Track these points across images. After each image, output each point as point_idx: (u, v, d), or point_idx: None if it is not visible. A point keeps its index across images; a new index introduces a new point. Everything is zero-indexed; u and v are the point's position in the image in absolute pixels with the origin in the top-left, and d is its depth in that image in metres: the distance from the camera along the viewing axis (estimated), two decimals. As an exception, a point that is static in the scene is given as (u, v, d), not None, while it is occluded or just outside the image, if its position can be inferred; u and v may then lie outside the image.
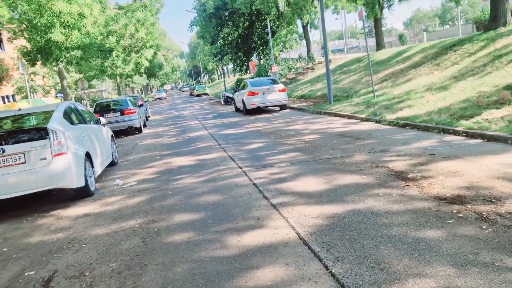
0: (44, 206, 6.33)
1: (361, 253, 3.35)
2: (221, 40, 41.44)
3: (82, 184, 6.21)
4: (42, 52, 16.82)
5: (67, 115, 6.79)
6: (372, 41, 39.21)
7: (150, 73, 61.72)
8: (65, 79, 23.53)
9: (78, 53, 21.26)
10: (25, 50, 17.60)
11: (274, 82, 18.32)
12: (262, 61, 41.94)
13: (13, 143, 5.71)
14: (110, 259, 3.92)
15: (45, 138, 5.83)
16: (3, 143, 5.68)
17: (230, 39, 41.97)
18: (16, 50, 19.52)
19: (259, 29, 40.33)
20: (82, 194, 6.40)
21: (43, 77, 41.40)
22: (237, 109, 20.28)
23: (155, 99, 60.23)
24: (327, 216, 4.27)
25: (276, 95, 17.30)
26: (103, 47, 22.81)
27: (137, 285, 3.32)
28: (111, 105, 16.00)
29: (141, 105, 18.23)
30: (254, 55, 46.04)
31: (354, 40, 70.70)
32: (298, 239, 3.79)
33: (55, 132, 5.89)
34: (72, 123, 6.77)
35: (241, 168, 7.11)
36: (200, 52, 75.35)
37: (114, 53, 30.14)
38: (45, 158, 5.79)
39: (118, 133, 15.72)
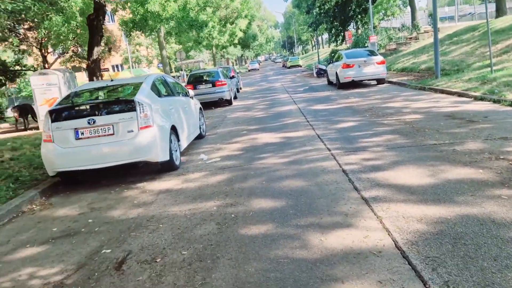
0: (132, 177, 6.45)
1: (480, 279, 2.60)
2: (317, 8, 39.81)
3: (167, 158, 6.15)
4: (138, 23, 17.58)
5: (155, 87, 6.74)
6: (491, 7, 34.35)
7: (244, 44, 62.34)
8: (164, 50, 24.56)
9: (174, 24, 21.87)
10: (123, 20, 18.58)
11: (371, 53, 16.92)
12: (359, 31, 39.53)
13: (103, 114, 5.79)
14: (183, 246, 3.68)
15: (133, 110, 5.82)
16: (95, 113, 5.79)
17: (326, 7, 40.07)
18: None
19: (358, -5, 37.78)
20: (167, 167, 6.37)
21: (147, 48, 44.16)
22: (330, 82, 19.27)
23: (248, 70, 60.88)
24: (433, 220, 3.51)
25: (374, 67, 15.96)
26: (194, 22, 23.15)
27: (205, 282, 3.00)
28: (203, 76, 16.19)
29: (232, 77, 18.23)
30: (351, 24, 43.59)
31: (467, 6, 63.01)
32: (395, 248, 3.13)
33: (142, 104, 5.84)
34: (159, 95, 6.72)
35: (329, 150, 6.48)
36: (294, 22, 73.82)
37: (210, 24, 30.64)
38: (132, 131, 5.79)
39: (209, 105, 15.95)
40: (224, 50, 54.23)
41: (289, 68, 51.93)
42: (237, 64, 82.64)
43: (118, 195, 5.61)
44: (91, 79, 14.39)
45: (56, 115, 5.84)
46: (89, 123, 5.73)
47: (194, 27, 23.57)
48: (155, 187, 5.72)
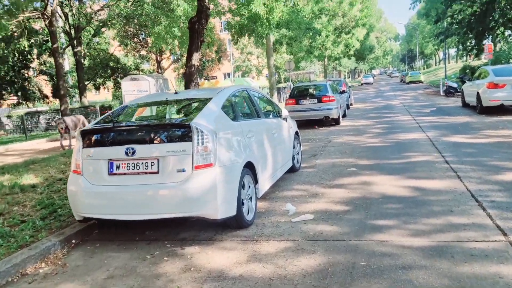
0: (187, 230, 4.56)
1: None
2: (449, 18, 34.87)
3: (233, 213, 4.12)
4: (245, 27, 16.23)
5: (229, 106, 4.79)
6: None
7: (360, 56, 58.70)
8: (272, 58, 23.12)
9: (285, 31, 20.20)
10: (230, 23, 17.49)
11: (531, 71, 12.96)
12: (499, 45, 33.62)
13: (147, 142, 3.99)
14: None
15: (187, 140, 3.92)
16: (137, 141, 4.03)
17: (460, 17, 34.92)
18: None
19: (503, 3, 32.03)
20: (232, 223, 4.34)
21: (257, 57, 43.76)
22: (466, 105, 15.53)
23: (361, 84, 57.08)
24: None
25: (535, 90, 12.09)
26: (310, 25, 21.09)
27: None
28: (309, 89, 14.05)
29: (343, 92, 15.77)
30: (489, 37, 37.47)
31: None
32: None
33: (201, 132, 3.91)
34: (235, 117, 4.74)
35: (503, 232, 3.77)
36: (418, 34, 67.58)
37: (323, 33, 28.48)
38: (184, 170, 3.88)
39: (312, 123, 13.73)
40: (337, 61, 51.47)
41: (408, 83, 47.00)
42: (349, 77, 78.84)
43: (151, 267, 3.72)
44: (187, 87, 13.30)
45: (90, 138, 4.22)
46: (127, 153, 3.98)
47: (307, 33, 21.53)
48: (205, 262, 3.71)
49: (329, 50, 38.71)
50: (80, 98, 25.02)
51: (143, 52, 31.16)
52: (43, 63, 28.26)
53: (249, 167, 4.63)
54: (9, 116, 23.69)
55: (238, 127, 4.61)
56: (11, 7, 10.95)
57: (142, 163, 3.97)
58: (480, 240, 3.62)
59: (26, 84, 28.02)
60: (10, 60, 19.87)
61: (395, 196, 5.19)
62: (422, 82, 46.02)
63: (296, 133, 7.26)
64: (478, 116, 12.68)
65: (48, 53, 25.60)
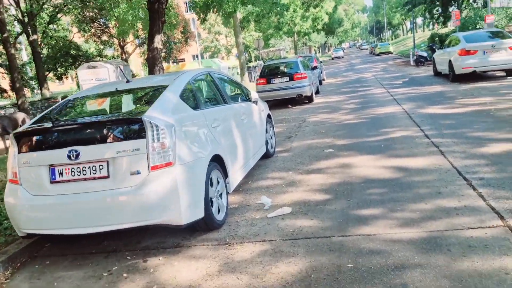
0: (150, 237, 4.05)
1: None
2: (415, -14, 34.69)
3: (200, 215, 3.61)
4: (210, 4, 15.38)
5: (190, 93, 4.22)
6: None
7: (329, 30, 58.27)
8: (240, 36, 22.33)
9: (252, 8, 19.41)
10: (193, 2, 16.56)
11: (502, 36, 12.81)
12: (465, 12, 33.75)
13: (93, 142, 3.41)
14: None
15: (140, 137, 3.35)
16: (80, 141, 3.43)
17: (427, -15, 34.80)
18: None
19: (467, -31, 32.02)
20: (200, 226, 3.84)
21: (226, 36, 42.61)
22: (437, 73, 15.37)
23: (332, 58, 56.82)
24: None
25: (505, 54, 11.94)
26: (274, 4, 20.28)
27: None
28: (280, 67, 13.51)
29: (314, 68, 15.29)
30: (455, 5, 37.59)
31: None
32: None
33: (156, 126, 3.35)
34: (196, 105, 4.17)
35: (500, 215, 3.43)
36: (385, 4, 67.47)
37: (291, 8, 27.75)
38: (138, 172, 3.33)
39: (285, 102, 13.25)
40: (307, 37, 50.84)
41: (377, 55, 47.05)
42: (319, 52, 78.43)
43: (109, 285, 3.21)
44: (151, 72, 12.52)
45: (26, 141, 3.59)
46: (69, 157, 3.38)
47: (273, 8, 20.74)
48: (171, 276, 3.22)
49: (298, 25, 37.99)
50: (41, 90, 23.65)
51: (104, 38, 29.65)
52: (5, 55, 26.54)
53: (217, 161, 4.12)
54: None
55: (200, 116, 4.06)
56: None
57: (89, 167, 3.39)
58: (476, 226, 3.26)
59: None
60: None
61: (378, 179, 4.81)
62: (392, 53, 46.12)
63: (269, 116, 6.76)
64: (451, 84, 12.49)
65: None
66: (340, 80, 20.95)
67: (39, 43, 24.17)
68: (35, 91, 30.78)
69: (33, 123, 3.73)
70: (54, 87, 40.42)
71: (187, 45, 31.57)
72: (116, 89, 4.19)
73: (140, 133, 3.36)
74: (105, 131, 3.42)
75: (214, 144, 4.08)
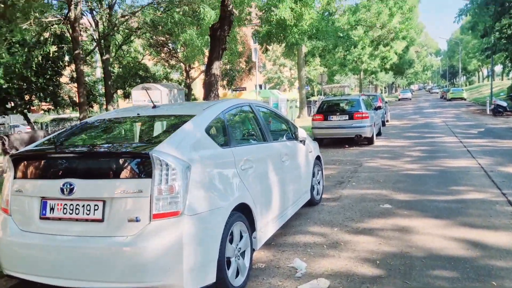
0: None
1: None
2: (497, 32, 32.44)
3: (210, 281, 2.86)
4: (273, 34, 15.04)
5: (221, 126, 3.57)
6: None
7: (398, 70, 56.36)
8: (303, 70, 21.86)
9: (317, 42, 18.93)
10: (257, 29, 16.37)
11: None
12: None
13: (91, 176, 2.84)
14: None
15: (145, 177, 2.73)
16: (76, 173, 2.88)
17: (509, 31, 32.44)
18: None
19: (558, 16, 29.37)
20: (212, 292, 3.08)
21: (290, 69, 42.60)
22: (520, 126, 13.66)
23: (399, 99, 54.62)
24: None
25: None
26: (342, 32, 19.48)
27: None
28: (340, 104, 12.66)
29: (378, 108, 14.25)
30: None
31: None
32: None
33: (166, 165, 2.71)
34: (226, 142, 3.50)
35: None
36: (461, 49, 64.33)
37: (359, 46, 26.95)
38: (137, 220, 2.68)
39: (341, 142, 12.30)
40: (373, 75, 49.46)
41: (449, 100, 44.34)
42: (386, 92, 76.10)
43: None
44: (206, 98, 12.28)
45: (23, 165, 3.11)
46: (63, 190, 2.83)
47: (339, 41, 19.96)
48: None
49: (365, 63, 36.99)
50: (106, 106, 24.67)
51: (172, 62, 30.70)
52: (74, 70, 28.31)
53: (243, 210, 3.39)
54: (35, 122, 23.61)
55: (228, 155, 3.38)
56: (24, 5, 10.35)
57: (83, 206, 2.81)
58: None
59: (57, 91, 28.11)
60: (34, 65, 19.77)
61: (446, 255, 3.77)
62: (465, 99, 43.29)
63: (318, 158, 5.94)
64: (538, 140, 10.87)
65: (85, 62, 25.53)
66: (406, 123, 19.54)
67: (111, 62, 25.43)
68: (104, 107, 32.38)
69: (35, 146, 3.26)
70: (123, 105, 42.57)
71: (250, 74, 31.74)
72: (138, 114, 3.65)
73: (146, 172, 2.73)
74: (105, 165, 2.85)
75: (241, 189, 3.37)
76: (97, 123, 3.72)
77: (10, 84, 23.00)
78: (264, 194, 3.84)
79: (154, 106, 3.82)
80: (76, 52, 15.99)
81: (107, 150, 3.05)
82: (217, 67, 12.46)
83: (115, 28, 21.46)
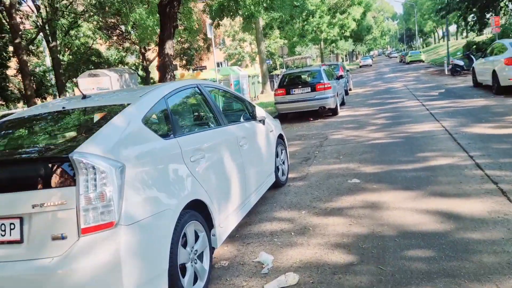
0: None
1: None
2: (451, -8, 32.78)
3: (159, 296, 2.48)
4: (226, 7, 14.39)
5: (162, 115, 3.11)
6: None
7: (357, 37, 56.67)
8: (262, 43, 21.31)
9: (275, 14, 18.35)
10: (208, 6, 15.65)
11: (556, 42, 11.22)
12: (502, 19, 31.61)
13: (2, 189, 2.35)
14: None
15: (68, 185, 2.27)
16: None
17: (462, -10, 32.83)
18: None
19: (507, -27, 29.94)
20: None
21: (250, 43, 41.73)
22: (478, 84, 13.81)
23: (360, 67, 55.08)
24: None
25: (562, 64, 10.38)
26: (297, 1, 18.95)
27: None
28: (301, 77, 12.32)
29: (340, 77, 14.02)
30: (492, 12, 35.41)
31: None
32: None
33: (92, 169, 2.26)
34: (170, 132, 3.05)
35: None
36: (416, 11, 65.17)
37: (317, 14, 26.54)
38: (63, 237, 2.23)
39: (306, 114, 12.02)
40: (334, 44, 49.40)
41: (408, 63, 45.04)
42: (347, 60, 76.56)
43: None
44: (161, 81, 11.64)
45: None
46: (-31, 209, 2.33)
47: (295, 11, 19.43)
48: None
49: (325, 32, 36.71)
50: (59, 97, 23.30)
51: (126, 45, 29.26)
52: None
53: (197, 207, 2.99)
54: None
55: (173, 147, 2.94)
56: None
57: (-3, 225, 2.32)
58: None
59: (4, 84, 26.27)
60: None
61: (419, 232, 3.54)
62: (423, 61, 44.09)
63: (280, 136, 5.58)
64: (496, 97, 10.98)
65: (29, 51, 23.79)
66: (369, 90, 19.53)
67: (60, 50, 23.90)
68: (58, 98, 30.71)
69: None
70: (78, 94, 40.59)
71: (208, 52, 30.78)
72: (64, 108, 3.12)
73: (68, 179, 2.27)
74: (19, 174, 2.35)
75: (192, 185, 2.96)
76: (12, 124, 3.16)
77: None
78: (221, 185, 3.45)
79: (84, 97, 3.29)
80: (17, 41, 14.76)
81: (19, 156, 2.55)
82: (170, 47, 11.76)
83: (59, 13, 20.00)
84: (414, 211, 4.01)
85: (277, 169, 5.28)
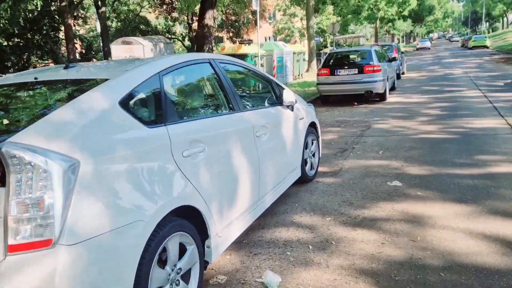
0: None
1: None
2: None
3: None
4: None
5: (151, 95, 2.48)
6: None
7: (417, 17, 53.06)
8: (312, 19, 20.14)
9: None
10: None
11: None
12: None
13: None
14: None
15: (-1, 183, 1.72)
16: None
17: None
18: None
19: None
20: None
21: (301, 19, 40.12)
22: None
23: (417, 49, 51.76)
24: None
25: None
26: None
27: None
28: (349, 56, 11.28)
29: (393, 59, 12.79)
30: None
31: None
32: None
33: (29, 165, 1.68)
34: (157, 118, 2.42)
35: None
36: (486, -8, 59.78)
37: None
38: (-14, 255, 1.70)
39: (349, 98, 11.05)
40: (391, 24, 46.52)
41: (471, 48, 41.66)
42: (403, 42, 72.29)
43: None
44: (199, 51, 11.09)
45: None
46: None
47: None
48: None
49: (382, 10, 34.44)
50: (105, 63, 23.53)
51: (175, 14, 28.93)
52: (74, 25, 26.89)
53: (187, 214, 2.39)
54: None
55: (160, 137, 2.31)
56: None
57: None
58: None
59: (56, 47, 26.92)
60: (21, 21, 18.51)
61: (473, 265, 2.75)
62: (488, 47, 40.60)
63: (312, 124, 4.83)
64: None
65: (75, 16, 24.06)
66: (424, 75, 17.97)
67: (108, 16, 23.96)
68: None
69: None
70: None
71: (256, 26, 29.83)
72: (36, 79, 2.58)
73: (-2, 176, 1.71)
74: None
75: (182, 187, 2.34)
76: None
77: (5, 42, 21.92)
78: (225, 186, 2.81)
79: (67, 67, 2.73)
80: (63, 4, 14.68)
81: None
82: (210, 17, 11.13)
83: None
84: (468, 234, 3.20)
85: (304, 162, 4.57)
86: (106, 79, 2.30)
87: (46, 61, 27.60)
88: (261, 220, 3.72)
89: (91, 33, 30.81)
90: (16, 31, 19.54)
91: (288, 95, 4.01)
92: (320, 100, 11.40)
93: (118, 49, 9.76)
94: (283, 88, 4.16)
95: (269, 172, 3.53)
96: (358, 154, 5.84)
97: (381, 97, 10.78)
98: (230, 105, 3.18)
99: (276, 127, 3.78)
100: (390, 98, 11.21)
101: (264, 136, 3.44)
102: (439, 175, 4.65)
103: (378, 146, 6.19)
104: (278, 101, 4.04)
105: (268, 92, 4.10)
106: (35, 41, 25.23)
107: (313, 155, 4.89)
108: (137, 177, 2.09)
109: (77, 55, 28.47)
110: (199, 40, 11.19)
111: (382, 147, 6.13)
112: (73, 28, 25.82)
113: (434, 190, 4.19)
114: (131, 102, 2.30)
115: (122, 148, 2.06)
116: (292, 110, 4.19)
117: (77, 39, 27.47)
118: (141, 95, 2.40)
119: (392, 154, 5.70)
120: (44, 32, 25.02)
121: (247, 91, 4.32)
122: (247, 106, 3.51)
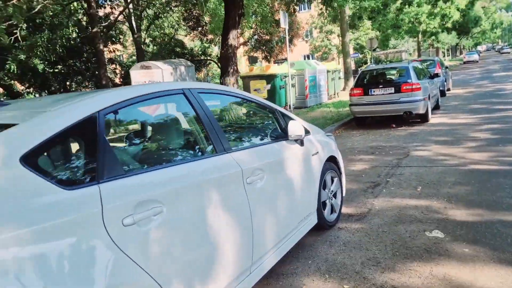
0: None
1: None
2: None
3: None
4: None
5: (79, 144, 1.86)
6: None
7: (462, 29, 50.64)
8: (347, 35, 19.33)
9: (364, 2, 16.29)
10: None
11: None
12: None
13: None
14: None
15: None
16: None
17: None
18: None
19: None
20: None
21: (338, 35, 39.23)
22: None
23: (464, 63, 49.22)
24: None
25: None
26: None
27: None
28: (384, 74, 10.36)
29: (435, 75, 11.68)
30: None
31: None
32: None
33: None
34: (83, 176, 1.78)
35: None
36: (538, 0, 56.17)
37: (415, 3, 23.52)
38: None
39: (387, 120, 10.08)
40: (434, 37, 44.55)
41: (524, 61, 38.93)
42: (448, 55, 69.24)
43: None
44: (224, 73, 10.64)
45: None
46: None
47: (390, 1, 16.98)
48: None
49: (424, 23, 32.97)
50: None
51: (210, 36, 29.05)
52: (112, 50, 27.64)
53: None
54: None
55: (84, 202, 1.66)
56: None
57: None
58: None
59: (97, 73, 27.72)
60: (58, 48, 19.05)
61: None
62: (544, 59, 37.71)
63: (331, 159, 4.05)
64: None
65: (117, 41, 24.69)
66: (471, 91, 16.55)
67: (143, 40, 24.34)
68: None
69: None
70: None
71: (291, 45, 29.35)
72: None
73: None
74: None
75: (110, 272, 1.68)
76: None
77: (47, 69, 22.67)
78: (194, 259, 2.12)
79: (1, 104, 2.18)
80: (94, 30, 14.85)
81: None
82: (234, 37, 10.63)
83: (143, 3, 20.12)
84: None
85: (322, 205, 3.80)
86: (13, 125, 1.70)
87: (88, 87, 28.46)
88: (263, 283, 2.97)
89: (132, 57, 31.58)
90: (54, 59, 20.12)
91: (295, 127, 3.28)
92: (355, 122, 10.52)
93: (137, 74, 9.46)
94: (289, 118, 3.44)
95: (268, 226, 2.80)
96: (392, 191, 4.95)
97: (423, 118, 9.73)
98: (211, 146, 2.51)
99: (279, 168, 3.05)
100: (433, 119, 10.12)
101: (259, 182, 2.73)
102: (491, 222, 3.71)
103: (417, 180, 5.26)
104: (284, 134, 3.32)
105: (270, 125, 3.40)
106: (75, 68, 26.06)
107: (334, 195, 4.10)
108: (43, 267, 1.44)
109: (117, 80, 29.23)
110: (223, 61, 10.72)
111: (421, 181, 5.20)
112: (112, 53, 26.53)
113: (485, 246, 3.27)
114: (44, 156, 1.68)
115: (21, 222, 1.43)
116: (302, 144, 3.45)
117: (117, 64, 28.20)
118: (62, 145, 1.79)
119: (433, 191, 4.77)
120: (84, 58, 25.80)
121: (241, 126, 3.64)
122: (238, 145, 2.82)
